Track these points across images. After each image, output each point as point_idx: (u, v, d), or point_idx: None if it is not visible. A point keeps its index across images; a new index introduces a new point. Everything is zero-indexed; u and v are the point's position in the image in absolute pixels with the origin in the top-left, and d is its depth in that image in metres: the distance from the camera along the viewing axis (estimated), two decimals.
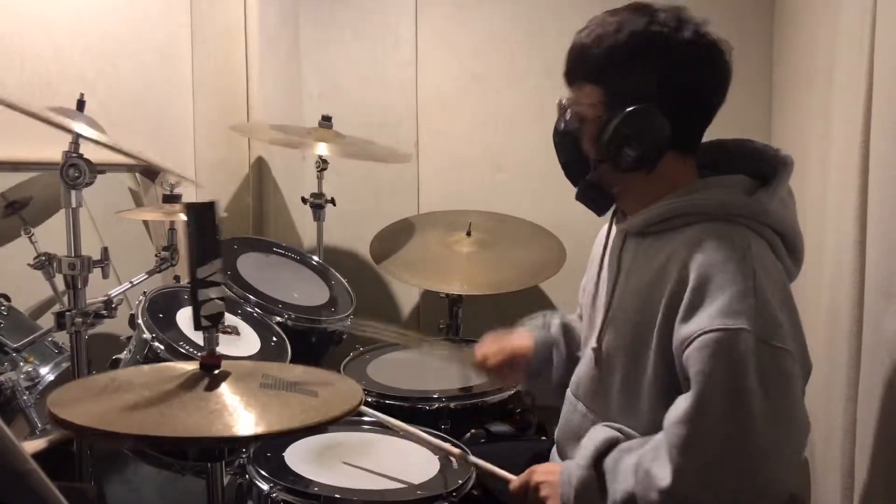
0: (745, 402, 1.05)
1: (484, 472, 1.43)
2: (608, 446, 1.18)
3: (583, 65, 1.24)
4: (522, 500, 1.30)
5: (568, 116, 1.27)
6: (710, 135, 1.33)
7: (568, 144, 1.28)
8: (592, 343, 1.30)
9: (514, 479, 1.33)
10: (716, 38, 1.20)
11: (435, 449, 1.54)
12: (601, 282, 1.35)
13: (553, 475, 1.25)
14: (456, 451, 1.49)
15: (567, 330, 1.56)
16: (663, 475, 1.07)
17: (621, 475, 1.14)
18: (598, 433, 1.21)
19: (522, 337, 1.58)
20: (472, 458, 1.45)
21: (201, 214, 1.13)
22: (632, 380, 1.23)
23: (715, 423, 1.06)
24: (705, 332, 1.08)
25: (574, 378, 1.40)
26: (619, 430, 1.21)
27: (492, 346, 1.58)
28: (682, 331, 1.12)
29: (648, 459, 1.11)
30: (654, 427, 1.15)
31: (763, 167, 1.25)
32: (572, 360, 1.48)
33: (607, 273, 1.32)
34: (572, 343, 1.54)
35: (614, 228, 1.36)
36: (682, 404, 1.09)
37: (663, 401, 1.15)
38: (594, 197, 1.29)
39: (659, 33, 1.18)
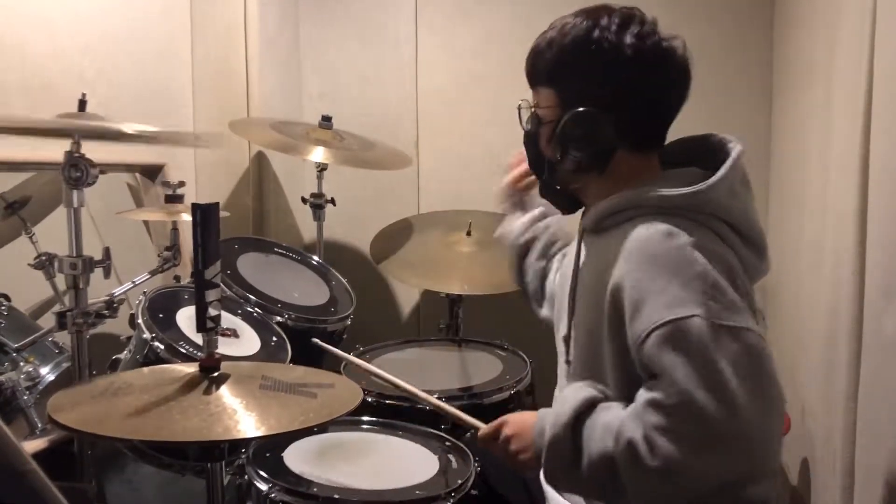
0: (719, 384, 1.02)
1: (452, 417, 1.42)
2: (588, 406, 1.15)
3: (538, 68, 1.30)
4: (492, 447, 1.29)
5: (526, 118, 1.34)
6: (709, 132, 1.33)
7: (529, 145, 1.34)
8: (563, 356, 1.32)
9: (484, 427, 1.31)
10: (661, 38, 1.21)
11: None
12: (566, 283, 1.36)
13: (526, 430, 1.22)
14: (436, 402, 1.47)
15: (549, 246, 1.62)
16: (646, 453, 1.04)
17: (598, 433, 1.11)
18: (580, 392, 1.17)
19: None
20: (440, 403, 1.45)
21: (206, 214, 1.14)
22: (595, 374, 1.21)
23: (696, 412, 1.02)
24: (657, 327, 1.06)
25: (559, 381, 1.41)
26: (601, 391, 1.18)
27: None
28: (633, 328, 1.10)
29: (630, 428, 1.07)
30: None
31: (718, 160, 1.24)
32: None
33: (569, 275, 1.33)
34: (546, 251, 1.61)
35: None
36: (655, 394, 1.05)
37: (625, 393, 1.15)
38: (553, 196, 1.35)
39: (599, 38, 1.21)
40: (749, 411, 1.02)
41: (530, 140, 1.34)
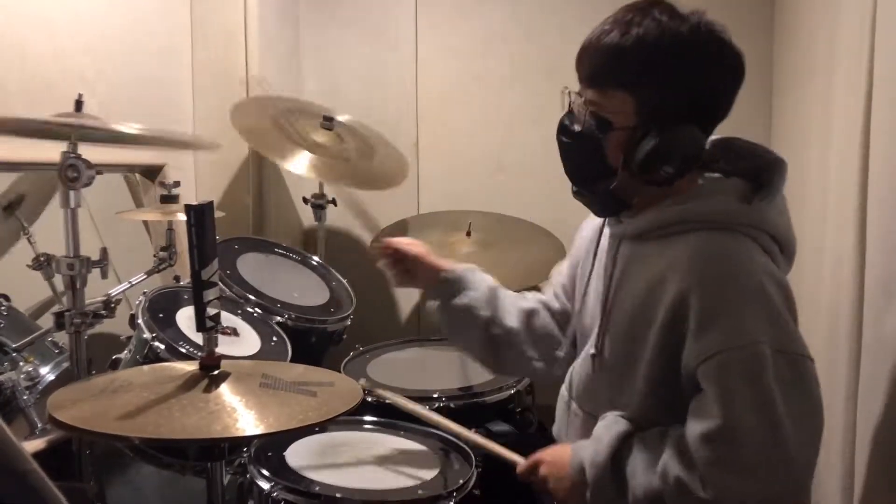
0: (771, 411, 1.06)
1: (492, 452, 1.42)
2: (623, 441, 1.18)
3: (618, 69, 1.16)
4: (533, 482, 1.30)
5: (591, 120, 1.20)
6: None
7: (587, 148, 1.21)
8: (591, 349, 1.30)
9: (521, 464, 1.33)
10: (734, 44, 1.19)
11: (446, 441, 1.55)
12: (592, 282, 1.35)
13: (562, 468, 1.24)
14: (475, 437, 1.48)
15: (493, 297, 1.49)
16: (697, 487, 1.08)
17: (640, 471, 1.14)
18: (613, 426, 1.19)
19: (443, 260, 1.54)
20: (479, 439, 1.45)
21: (200, 215, 1.13)
22: (625, 379, 1.23)
23: (746, 437, 1.07)
24: (724, 351, 1.09)
25: (569, 377, 1.40)
26: (629, 419, 1.20)
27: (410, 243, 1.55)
28: (699, 344, 1.12)
29: (676, 466, 1.10)
30: (643, 416, 1.19)
31: (760, 169, 1.24)
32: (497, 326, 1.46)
33: (601, 276, 1.32)
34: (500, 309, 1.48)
35: (607, 229, 1.34)
36: (708, 423, 1.08)
37: (652, 398, 1.19)
38: (609, 203, 1.25)
39: (698, 41, 1.15)
40: (795, 437, 1.06)
41: (586, 144, 1.21)
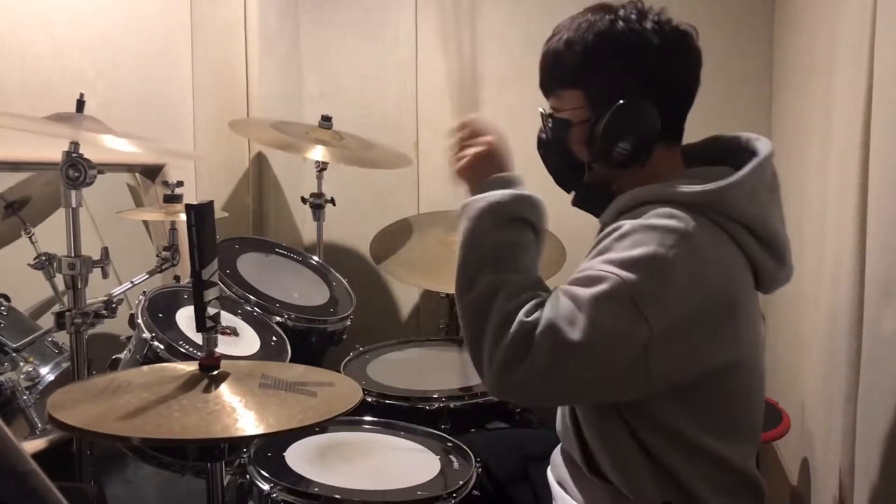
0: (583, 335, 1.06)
1: None
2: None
3: (558, 71, 1.25)
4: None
5: (551, 125, 1.28)
6: (708, 132, 1.33)
7: (556, 152, 1.29)
8: None
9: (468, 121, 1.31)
10: (678, 23, 1.22)
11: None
12: None
13: (493, 164, 1.26)
14: None
15: None
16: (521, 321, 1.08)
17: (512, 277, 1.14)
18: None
19: None
20: None
21: (201, 214, 1.13)
22: None
23: (553, 338, 1.06)
24: (592, 270, 1.10)
25: None
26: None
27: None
28: (581, 265, 1.14)
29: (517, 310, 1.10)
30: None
31: (743, 160, 1.23)
32: None
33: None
34: None
35: None
36: (553, 314, 1.08)
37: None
38: (592, 198, 1.30)
39: (624, 29, 1.20)
40: (575, 365, 1.06)
41: (555, 148, 1.29)
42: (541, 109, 1.31)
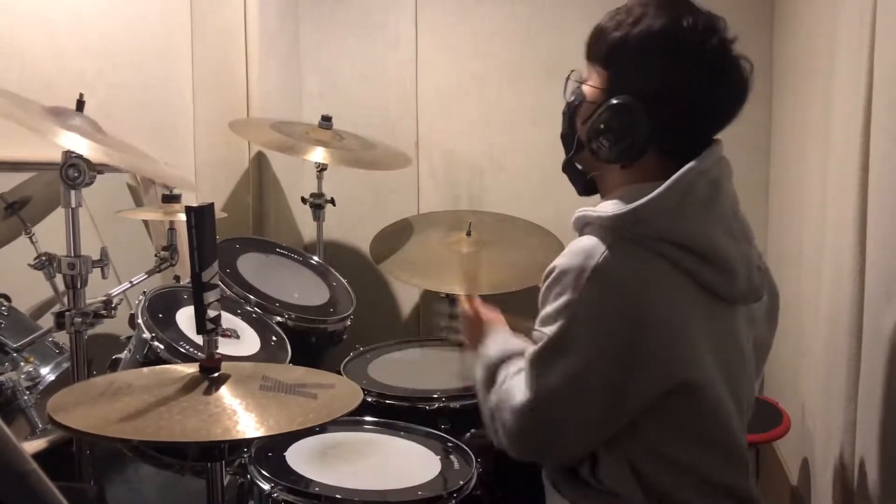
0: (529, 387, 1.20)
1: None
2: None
3: (597, 46, 1.23)
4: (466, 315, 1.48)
5: (571, 90, 1.27)
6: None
7: (567, 119, 1.29)
8: None
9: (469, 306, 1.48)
10: (738, 55, 1.20)
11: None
12: None
13: (483, 334, 1.41)
14: None
15: None
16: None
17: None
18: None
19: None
20: None
21: (201, 217, 1.13)
22: None
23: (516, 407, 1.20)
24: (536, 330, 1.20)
25: None
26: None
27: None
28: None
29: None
30: None
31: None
32: None
33: None
34: None
35: None
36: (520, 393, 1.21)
37: None
38: (572, 174, 1.32)
39: (675, 35, 1.16)
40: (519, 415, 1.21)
41: (567, 113, 1.29)
42: (572, 71, 1.29)
